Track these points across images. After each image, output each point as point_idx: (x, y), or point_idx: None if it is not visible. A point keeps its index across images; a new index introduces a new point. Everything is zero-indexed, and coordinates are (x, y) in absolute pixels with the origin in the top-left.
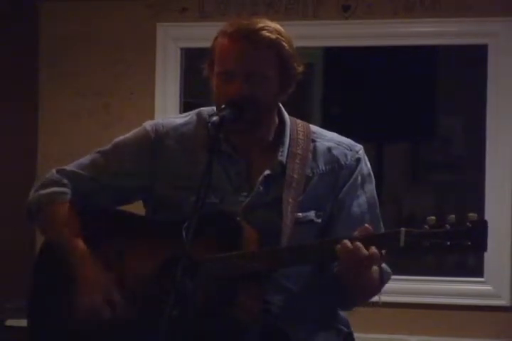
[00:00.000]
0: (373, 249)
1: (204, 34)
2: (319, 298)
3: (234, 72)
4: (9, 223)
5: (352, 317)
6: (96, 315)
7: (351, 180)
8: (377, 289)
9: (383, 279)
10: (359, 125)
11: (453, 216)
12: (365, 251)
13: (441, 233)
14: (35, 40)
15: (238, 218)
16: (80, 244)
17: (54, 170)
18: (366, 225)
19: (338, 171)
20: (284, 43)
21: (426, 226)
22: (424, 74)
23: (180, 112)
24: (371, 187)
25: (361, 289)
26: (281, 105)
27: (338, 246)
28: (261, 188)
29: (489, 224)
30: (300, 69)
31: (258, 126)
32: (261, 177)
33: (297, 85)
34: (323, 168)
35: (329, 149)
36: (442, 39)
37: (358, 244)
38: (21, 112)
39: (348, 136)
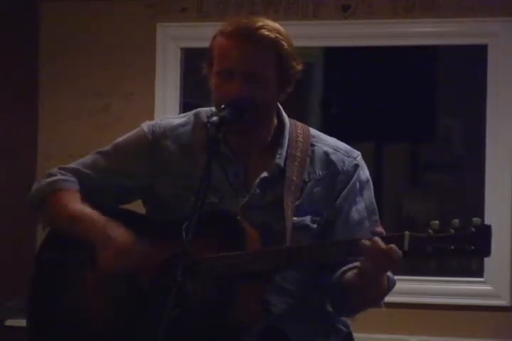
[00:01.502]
0: (392, 245)
1: (204, 34)
2: (319, 298)
3: (233, 72)
4: (9, 223)
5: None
6: (125, 260)
7: (349, 186)
8: (384, 294)
9: (390, 286)
10: (359, 125)
11: (456, 220)
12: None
13: (445, 237)
14: (35, 40)
15: (239, 217)
16: (98, 215)
17: (56, 168)
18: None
19: (335, 177)
20: (283, 42)
21: (430, 231)
22: (424, 74)
23: (180, 112)
24: (370, 193)
25: (372, 291)
26: (280, 107)
27: (363, 241)
28: (257, 191)
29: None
30: (299, 68)
31: (257, 126)
32: (257, 180)
33: (297, 85)
34: (320, 174)
35: (327, 154)
36: (442, 39)
37: (377, 238)
38: (21, 112)
39: (347, 136)
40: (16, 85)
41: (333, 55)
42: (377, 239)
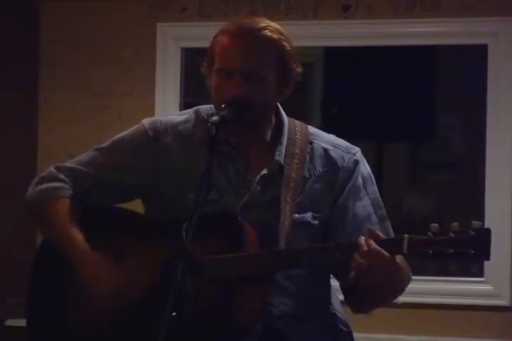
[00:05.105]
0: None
1: (204, 34)
2: (319, 298)
3: (233, 70)
4: (9, 223)
5: (352, 317)
6: (105, 302)
7: (351, 182)
8: (396, 292)
9: (404, 282)
10: (359, 125)
11: (456, 223)
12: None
13: (444, 241)
14: (35, 40)
15: (240, 218)
16: (80, 239)
17: (52, 167)
18: (372, 229)
19: (335, 173)
20: (285, 43)
21: (429, 233)
22: (424, 74)
23: None
24: (373, 188)
25: (380, 290)
26: (279, 105)
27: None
28: (258, 188)
29: (489, 224)
30: (299, 70)
31: (256, 126)
32: (258, 177)
33: (297, 85)
34: (320, 170)
35: (326, 151)
36: (442, 39)
37: (376, 246)
38: (21, 112)
39: (347, 136)
40: (16, 85)
41: (333, 54)
42: (372, 248)
